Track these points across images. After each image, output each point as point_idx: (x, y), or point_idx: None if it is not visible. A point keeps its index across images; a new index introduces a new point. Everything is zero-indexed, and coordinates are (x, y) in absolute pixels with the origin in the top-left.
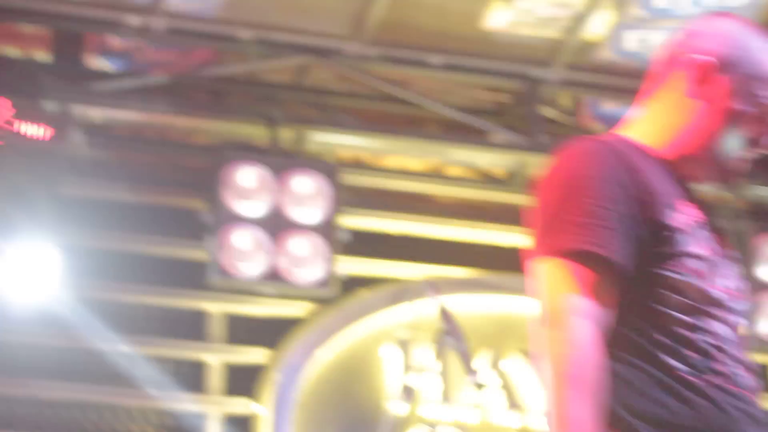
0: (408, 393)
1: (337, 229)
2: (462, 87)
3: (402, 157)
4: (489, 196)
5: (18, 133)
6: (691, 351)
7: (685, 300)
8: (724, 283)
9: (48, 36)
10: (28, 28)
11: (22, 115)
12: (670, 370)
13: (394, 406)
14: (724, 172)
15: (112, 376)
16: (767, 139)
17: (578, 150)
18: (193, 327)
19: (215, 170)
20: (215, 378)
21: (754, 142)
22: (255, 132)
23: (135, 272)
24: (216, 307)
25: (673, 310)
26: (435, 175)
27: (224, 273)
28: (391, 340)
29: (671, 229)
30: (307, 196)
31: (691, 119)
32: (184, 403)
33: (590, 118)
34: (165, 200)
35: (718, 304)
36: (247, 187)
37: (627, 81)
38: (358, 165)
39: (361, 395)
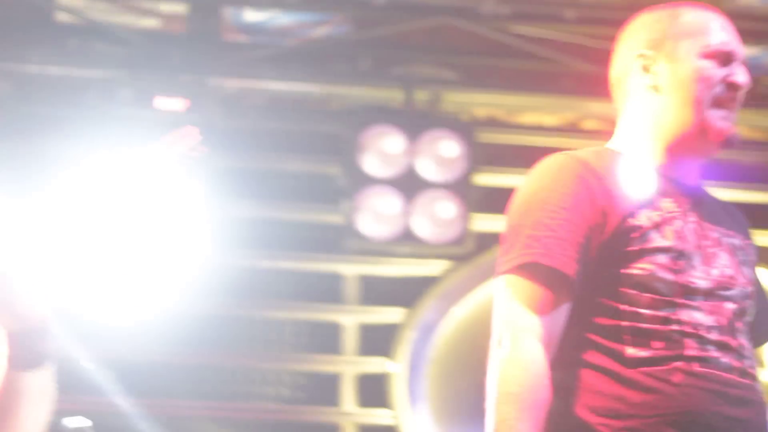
0: None
1: (473, 187)
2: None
3: (537, 114)
4: None
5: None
6: (658, 341)
7: (653, 295)
8: (710, 271)
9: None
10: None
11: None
12: (630, 364)
13: None
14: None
15: (247, 339)
16: (725, 90)
17: (542, 166)
18: (328, 289)
19: (351, 134)
20: (350, 339)
21: (717, 101)
22: (391, 95)
23: (272, 238)
24: (351, 269)
25: (639, 307)
26: (571, 129)
27: (359, 235)
28: None
29: (634, 229)
30: (442, 156)
31: (658, 112)
32: (319, 364)
33: None
34: (301, 167)
35: (695, 293)
36: (383, 149)
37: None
38: (494, 123)
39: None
